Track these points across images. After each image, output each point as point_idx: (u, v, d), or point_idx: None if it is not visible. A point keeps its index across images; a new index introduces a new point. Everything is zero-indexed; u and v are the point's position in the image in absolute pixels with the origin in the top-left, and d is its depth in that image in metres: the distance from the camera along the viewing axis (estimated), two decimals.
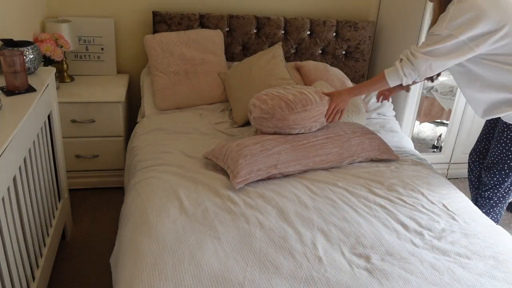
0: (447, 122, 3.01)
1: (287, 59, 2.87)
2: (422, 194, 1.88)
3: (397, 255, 1.47)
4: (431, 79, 2.03)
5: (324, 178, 1.93)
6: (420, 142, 3.12)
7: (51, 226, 1.87)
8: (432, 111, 3.04)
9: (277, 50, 2.45)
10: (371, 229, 1.60)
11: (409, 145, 2.42)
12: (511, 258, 1.54)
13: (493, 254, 1.54)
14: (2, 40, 1.80)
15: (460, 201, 1.88)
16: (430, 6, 2.58)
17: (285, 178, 1.89)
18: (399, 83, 1.85)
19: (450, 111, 2.96)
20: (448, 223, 1.69)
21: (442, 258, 1.48)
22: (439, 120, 3.14)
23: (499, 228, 1.73)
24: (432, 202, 1.83)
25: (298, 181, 1.88)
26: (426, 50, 1.74)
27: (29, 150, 1.55)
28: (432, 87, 2.96)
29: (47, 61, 2.34)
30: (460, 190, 2.03)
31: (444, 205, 1.82)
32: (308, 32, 2.85)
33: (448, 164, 3.13)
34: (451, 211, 1.78)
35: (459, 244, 1.57)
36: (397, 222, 1.66)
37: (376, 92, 2.35)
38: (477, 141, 2.22)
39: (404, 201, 1.81)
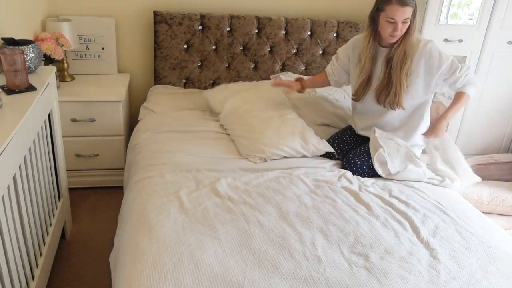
0: None
1: (288, 59, 2.87)
2: (415, 191, 1.91)
3: (396, 254, 1.48)
4: None
5: (324, 177, 1.93)
6: None
7: (50, 225, 1.87)
8: (439, 114, 3.04)
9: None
10: (369, 228, 1.60)
11: None
12: (503, 252, 1.56)
13: (486, 248, 1.56)
14: (3, 38, 1.80)
15: (452, 197, 1.92)
16: (431, 7, 2.59)
17: (288, 177, 1.90)
18: (476, 92, 2.12)
19: None
20: (441, 219, 1.72)
21: (438, 256, 1.49)
22: None
23: (490, 222, 1.76)
24: (425, 199, 1.86)
25: (300, 179, 1.88)
26: (467, 70, 2.03)
27: (29, 149, 1.55)
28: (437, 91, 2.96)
29: (48, 60, 2.34)
30: (459, 192, 2.05)
31: (437, 201, 1.84)
32: (309, 33, 2.85)
33: None
34: (444, 207, 1.80)
35: (453, 240, 1.60)
36: (395, 221, 1.67)
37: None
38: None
39: (399, 199, 1.83)
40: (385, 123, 2.15)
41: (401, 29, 1.92)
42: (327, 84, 2.39)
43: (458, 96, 2.04)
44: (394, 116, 2.13)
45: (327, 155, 2.19)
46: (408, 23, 1.93)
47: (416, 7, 1.92)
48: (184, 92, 2.73)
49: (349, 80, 2.31)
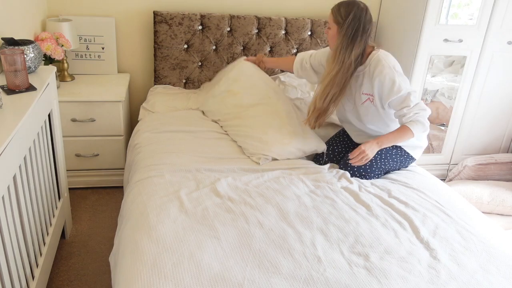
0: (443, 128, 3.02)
1: None
2: (414, 191, 1.92)
3: (396, 254, 1.48)
4: None
5: (324, 177, 1.94)
6: None
7: (50, 225, 1.87)
8: (439, 115, 3.05)
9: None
10: (369, 228, 1.60)
11: None
12: (503, 252, 1.56)
13: (486, 248, 1.56)
14: (3, 38, 1.80)
15: (452, 197, 1.92)
16: (431, 7, 2.58)
17: (288, 177, 1.90)
18: (422, 132, 1.99)
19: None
20: (441, 219, 1.72)
21: (438, 256, 1.49)
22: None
23: (490, 222, 1.77)
24: (425, 199, 1.86)
25: (300, 179, 1.89)
26: (421, 107, 1.95)
27: (29, 149, 1.55)
28: (437, 91, 2.96)
29: (48, 60, 2.34)
30: (459, 192, 2.05)
31: (437, 201, 1.84)
32: (309, 33, 2.85)
33: (448, 165, 3.13)
34: (443, 207, 1.81)
35: (453, 240, 1.59)
36: (395, 221, 1.67)
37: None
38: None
39: (399, 199, 1.83)
40: (370, 130, 2.14)
41: (327, 32, 2.03)
42: (291, 70, 2.41)
43: (402, 128, 1.96)
44: (374, 124, 2.11)
45: (318, 160, 2.21)
46: (330, 31, 1.99)
47: (341, 25, 1.92)
48: (183, 92, 2.73)
49: (315, 80, 2.33)
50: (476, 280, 1.39)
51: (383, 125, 2.09)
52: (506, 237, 1.68)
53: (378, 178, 2.08)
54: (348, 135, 2.29)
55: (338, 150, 2.24)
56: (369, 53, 1.99)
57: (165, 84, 2.77)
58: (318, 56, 2.26)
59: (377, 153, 2.06)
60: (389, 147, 2.09)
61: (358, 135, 2.21)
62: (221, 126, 2.32)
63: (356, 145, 2.24)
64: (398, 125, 2.04)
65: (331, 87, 1.98)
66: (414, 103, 1.94)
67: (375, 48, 2.01)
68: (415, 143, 2.14)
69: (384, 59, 1.95)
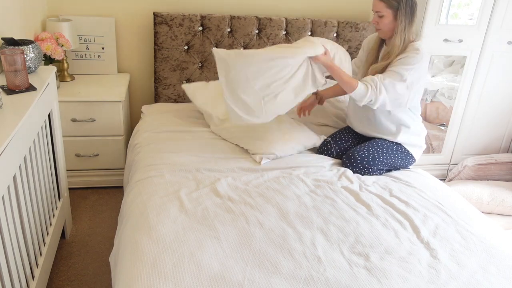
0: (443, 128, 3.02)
1: None
2: (415, 190, 1.92)
3: (396, 254, 1.48)
4: None
5: (324, 177, 1.94)
6: None
7: (50, 225, 1.87)
8: (439, 115, 3.05)
9: None
10: (369, 228, 1.60)
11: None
12: (503, 252, 1.56)
13: (486, 248, 1.57)
14: (3, 38, 1.80)
15: (452, 197, 1.92)
16: (431, 7, 2.59)
17: (288, 176, 1.90)
18: (358, 100, 1.99)
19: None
20: (442, 219, 1.72)
21: (438, 256, 1.49)
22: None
23: (490, 222, 1.77)
24: (425, 199, 1.86)
25: (300, 179, 1.89)
26: (389, 93, 1.96)
27: (29, 149, 1.55)
28: (437, 91, 2.96)
29: (48, 60, 2.34)
30: (459, 192, 2.05)
31: (437, 201, 1.85)
32: (310, 33, 2.85)
33: (448, 165, 3.13)
34: (444, 207, 1.81)
35: (453, 240, 1.60)
36: (395, 220, 1.67)
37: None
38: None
39: (399, 198, 1.84)
40: (378, 124, 2.16)
41: (377, 22, 2.03)
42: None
43: (353, 79, 1.98)
44: (382, 117, 2.14)
45: (325, 151, 2.23)
46: (385, 19, 1.99)
47: (398, 9, 1.94)
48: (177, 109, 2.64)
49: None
50: (476, 280, 1.39)
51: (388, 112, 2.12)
52: (506, 237, 1.68)
53: (380, 173, 2.10)
54: (351, 130, 2.33)
55: (345, 139, 2.27)
56: (411, 41, 2.02)
57: (165, 85, 2.76)
58: (358, 58, 2.34)
59: (379, 148, 2.11)
60: (390, 143, 2.14)
61: (360, 120, 2.23)
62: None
63: (361, 138, 2.29)
64: (404, 114, 2.10)
65: (385, 60, 2.02)
66: (392, 85, 1.94)
67: (415, 39, 2.05)
68: (414, 142, 2.16)
69: (423, 51, 1.98)
